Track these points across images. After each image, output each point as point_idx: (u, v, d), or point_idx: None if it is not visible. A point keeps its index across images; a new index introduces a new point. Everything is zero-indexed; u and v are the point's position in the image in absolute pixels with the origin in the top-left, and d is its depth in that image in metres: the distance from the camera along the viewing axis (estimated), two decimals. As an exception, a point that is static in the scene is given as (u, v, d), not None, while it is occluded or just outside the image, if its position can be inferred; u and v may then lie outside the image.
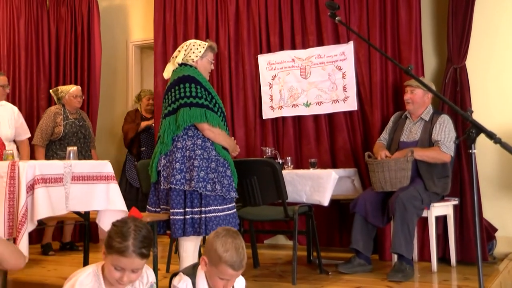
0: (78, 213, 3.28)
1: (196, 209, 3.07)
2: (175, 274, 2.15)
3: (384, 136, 4.08)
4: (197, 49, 3.27)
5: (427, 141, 3.80)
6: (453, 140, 3.74)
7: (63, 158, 4.51)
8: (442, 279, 3.51)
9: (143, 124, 5.52)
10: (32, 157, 4.57)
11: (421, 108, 3.91)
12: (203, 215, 3.05)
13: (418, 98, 3.90)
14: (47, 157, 4.68)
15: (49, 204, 2.71)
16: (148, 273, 2.01)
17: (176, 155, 3.09)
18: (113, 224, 1.89)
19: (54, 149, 4.73)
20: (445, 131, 3.76)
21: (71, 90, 4.83)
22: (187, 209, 3.08)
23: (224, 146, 3.21)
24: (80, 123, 4.84)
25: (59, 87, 4.93)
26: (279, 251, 4.72)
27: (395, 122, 4.07)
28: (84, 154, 4.74)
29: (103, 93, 5.80)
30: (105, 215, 3.12)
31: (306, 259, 4.15)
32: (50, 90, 5.01)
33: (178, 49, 3.33)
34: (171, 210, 3.10)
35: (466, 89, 4.05)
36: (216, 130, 3.14)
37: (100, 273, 1.91)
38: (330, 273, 3.69)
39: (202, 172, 3.05)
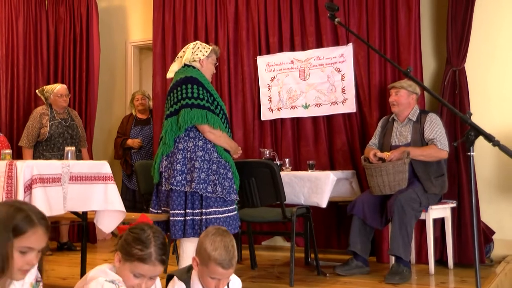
0: (75, 213, 3.27)
1: (196, 211, 3.07)
2: (171, 276, 2.15)
3: (374, 141, 4.07)
4: (204, 48, 3.30)
5: (419, 142, 3.80)
6: (445, 136, 3.76)
7: (49, 159, 4.49)
8: (440, 282, 3.51)
9: (129, 142, 5.38)
10: (20, 159, 4.54)
11: (407, 109, 3.91)
12: (203, 217, 3.05)
13: (403, 99, 3.89)
14: (34, 158, 4.63)
15: (47, 204, 2.70)
16: (155, 283, 1.99)
17: (177, 157, 3.10)
18: (130, 231, 1.86)
19: (40, 150, 4.69)
20: (436, 128, 3.77)
21: (56, 89, 4.74)
22: (187, 211, 3.08)
23: (226, 148, 3.22)
24: (67, 123, 4.77)
25: (44, 87, 4.86)
26: (277, 252, 4.72)
27: (383, 126, 4.06)
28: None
29: (101, 93, 5.80)
30: (103, 216, 3.12)
31: (303, 260, 4.15)
32: (36, 91, 4.92)
33: (183, 49, 3.34)
34: (171, 211, 3.10)
35: (465, 92, 4.05)
36: (217, 132, 3.15)
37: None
38: (327, 275, 3.69)
39: (203, 173, 3.06)
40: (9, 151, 3.11)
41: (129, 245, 1.82)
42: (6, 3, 5.38)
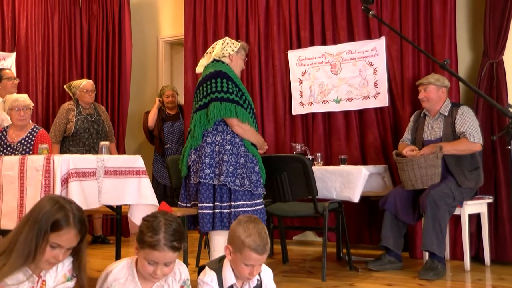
0: (110, 206, 3.33)
1: (225, 204, 3.09)
2: (202, 267, 2.17)
3: (407, 136, 4.02)
4: (233, 44, 3.32)
5: (451, 136, 3.73)
6: (477, 128, 3.67)
7: (75, 154, 4.54)
8: (476, 279, 3.43)
9: (154, 107, 5.43)
10: None
11: (438, 104, 3.84)
12: (232, 210, 3.07)
13: (432, 95, 3.82)
14: (61, 153, 4.67)
15: (82, 197, 2.75)
16: (181, 269, 2.02)
17: (206, 150, 3.12)
18: (144, 219, 1.91)
19: (67, 145, 4.78)
20: (468, 121, 3.68)
21: (82, 85, 4.78)
22: (216, 204, 3.10)
23: (253, 142, 3.23)
24: (93, 119, 4.81)
25: (71, 82, 4.92)
26: (308, 247, 4.71)
27: (415, 121, 4.00)
28: (97, 149, 4.70)
29: (133, 89, 5.87)
30: (137, 209, 3.15)
31: (335, 255, 4.13)
32: (64, 86, 5.00)
33: (212, 45, 3.36)
34: (200, 205, 3.12)
35: (503, 85, 3.93)
36: (245, 126, 3.16)
37: (134, 267, 1.94)
38: (359, 270, 3.66)
39: (231, 167, 3.07)
40: (46, 145, 3.19)
41: (142, 233, 1.87)
42: (42, 1, 5.52)
